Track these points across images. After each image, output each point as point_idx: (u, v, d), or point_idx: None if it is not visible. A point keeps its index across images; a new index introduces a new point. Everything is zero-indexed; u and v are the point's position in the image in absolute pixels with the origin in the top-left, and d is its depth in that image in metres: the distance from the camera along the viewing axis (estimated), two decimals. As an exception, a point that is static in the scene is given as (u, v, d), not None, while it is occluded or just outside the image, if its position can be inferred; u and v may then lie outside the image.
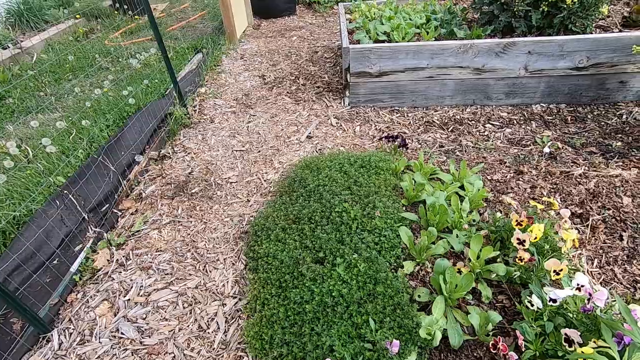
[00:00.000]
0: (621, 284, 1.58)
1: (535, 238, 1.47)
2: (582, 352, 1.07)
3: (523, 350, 1.20)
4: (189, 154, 2.74)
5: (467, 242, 1.72)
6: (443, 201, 1.84)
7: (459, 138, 2.83)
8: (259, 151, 2.77)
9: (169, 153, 2.72)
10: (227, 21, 4.43)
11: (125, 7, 6.03)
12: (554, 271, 1.33)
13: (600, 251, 1.72)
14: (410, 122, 3.06)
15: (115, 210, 2.25)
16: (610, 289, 1.57)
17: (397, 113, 3.17)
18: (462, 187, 2.05)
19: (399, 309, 1.44)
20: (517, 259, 1.45)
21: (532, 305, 1.28)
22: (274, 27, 5.25)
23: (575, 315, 1.27)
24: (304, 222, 1.89)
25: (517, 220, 1.58)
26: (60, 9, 5.75)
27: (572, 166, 2.32)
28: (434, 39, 3.14)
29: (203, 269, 1.91)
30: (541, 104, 3.15)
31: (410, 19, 3.28)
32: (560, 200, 2.02)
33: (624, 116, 2.95)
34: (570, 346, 1.17)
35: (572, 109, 3.09)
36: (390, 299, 1.47)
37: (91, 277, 1.88)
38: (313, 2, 5.81)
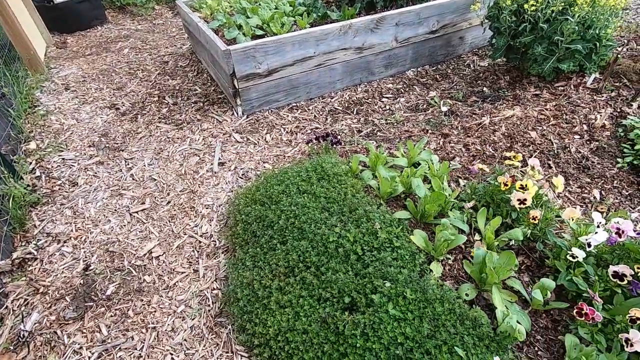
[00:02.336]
0: (576, 204, 1.85)
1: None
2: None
3: (597, 304, 1.24)
4: (65, 242, 1.86)
5: (466, 219, 1.71)
6: (424, 188, 1.76)
7: (369, 119, 2.82)
8: (169, 202, 2.11)
9: (31, 253, 1.78)
10: (21, 44, 3.18)
11: None
12: (570, 218, 1.42)
13: (547, 184, 1.98)
14: (315, 116, 2.87)
15: (-15, 383, 1.34)
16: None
17: (297, 109, 2.94)
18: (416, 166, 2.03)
19: (467, 320, 1.31)
20: (530, 219, 1.50)
21: (574, 257, 1.34)
22: (88, 42, 4.10)
23: (601, 249, 1.39)
24: (301, 270, 1.52)
25: (503, 183, 1.64)
26: None
27: (475, 117, 2.60)
28: (309, 25, 2.98)
29: (192, 394, 1.34)
30: (412, 70, 3.43)
31: (276, 8, 3.01)
32: (493, 150, 2.24)
33: (471, 65, 3.50)
34: (621, 280, 1.27)
35: (434, 68, 3.48)
36: (451, 313, 1.32)
37: None
38: (126, 4, 4.80)
